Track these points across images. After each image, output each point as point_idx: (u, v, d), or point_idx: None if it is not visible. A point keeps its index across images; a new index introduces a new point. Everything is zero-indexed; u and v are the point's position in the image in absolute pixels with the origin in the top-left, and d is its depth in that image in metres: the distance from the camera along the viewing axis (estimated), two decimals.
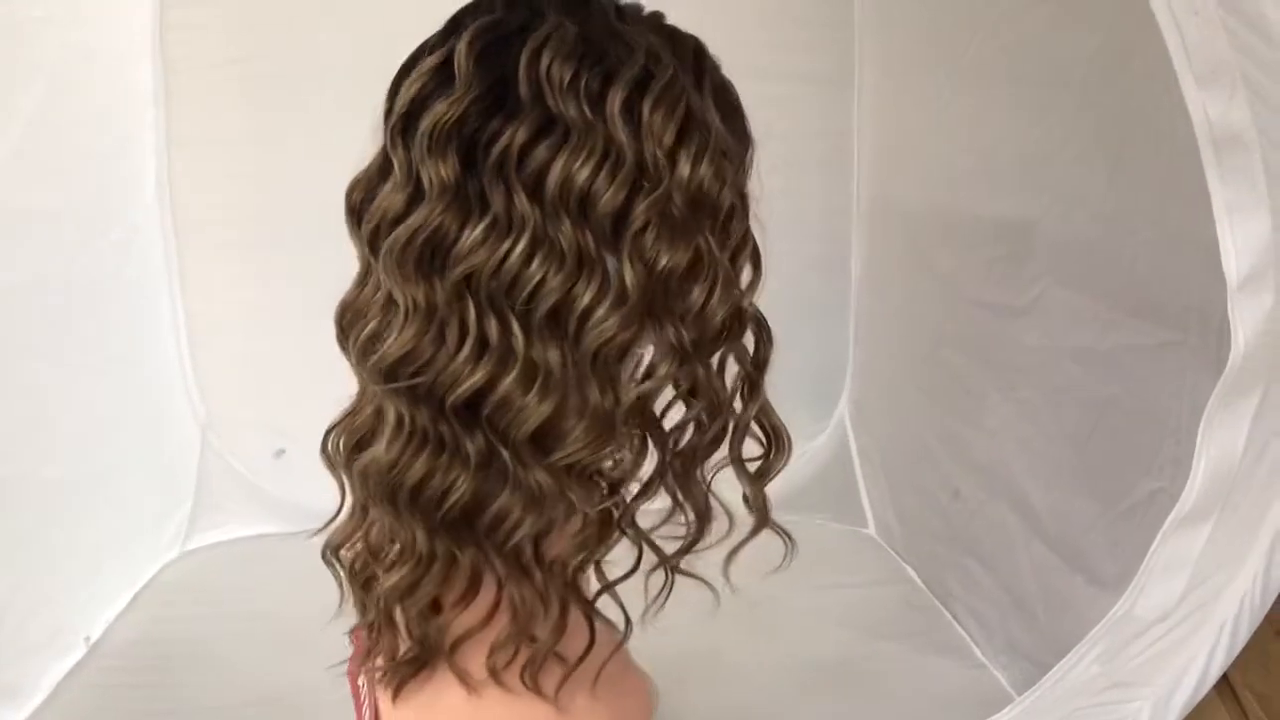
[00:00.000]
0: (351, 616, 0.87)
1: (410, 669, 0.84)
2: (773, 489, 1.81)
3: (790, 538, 0.89)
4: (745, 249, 0.80)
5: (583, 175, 0.70)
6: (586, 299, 0.71)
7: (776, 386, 1.77)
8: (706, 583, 0.87)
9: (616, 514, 0.81)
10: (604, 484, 0.80)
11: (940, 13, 1.47)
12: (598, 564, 0.84)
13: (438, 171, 0.70)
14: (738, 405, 0.82)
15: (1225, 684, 0.91)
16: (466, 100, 0.70)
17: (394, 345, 0.73)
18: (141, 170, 1.62)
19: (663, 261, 0.72)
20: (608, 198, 0.70)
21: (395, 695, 0.85)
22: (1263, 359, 0.78)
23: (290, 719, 1.21)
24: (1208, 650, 0.86)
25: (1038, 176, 1.25)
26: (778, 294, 1.69)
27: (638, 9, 0.79)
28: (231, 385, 1.70)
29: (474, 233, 0.70)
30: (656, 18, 0.79)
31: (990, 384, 1.36)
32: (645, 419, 0.79)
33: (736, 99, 0.81)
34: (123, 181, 1.59)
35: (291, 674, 1.25)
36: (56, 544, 1.34)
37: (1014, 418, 1.31)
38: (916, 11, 1.56)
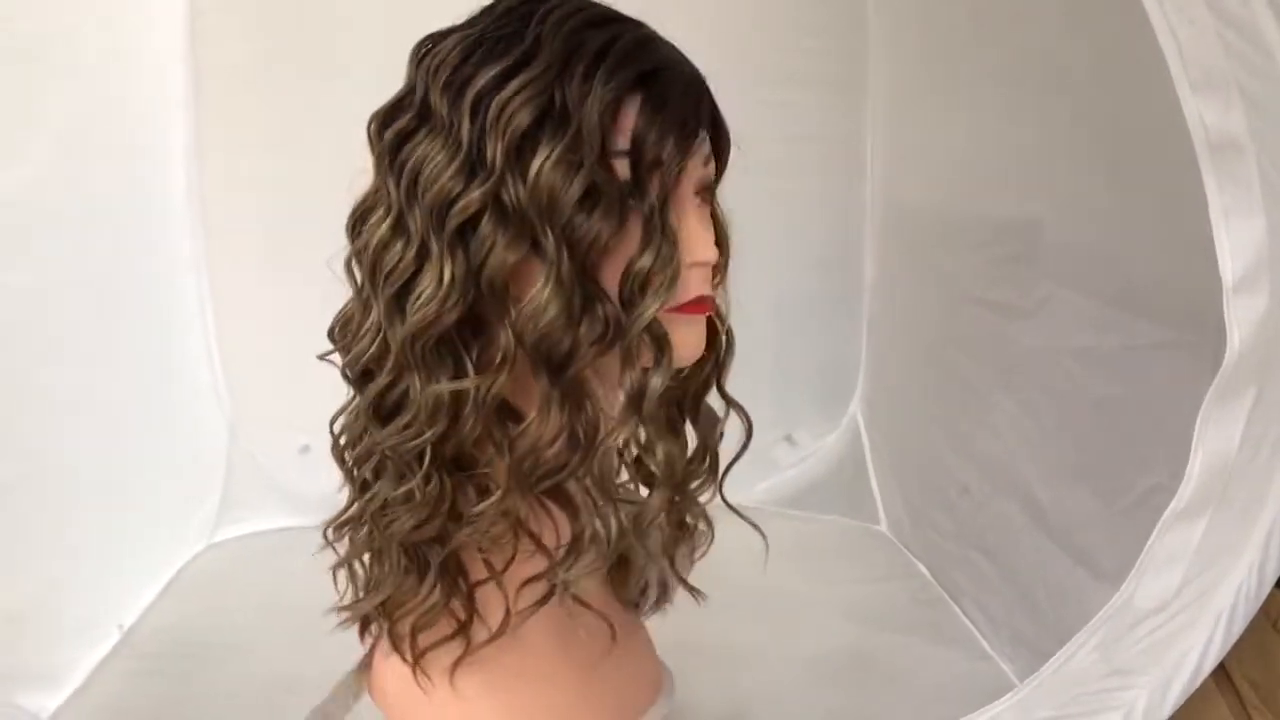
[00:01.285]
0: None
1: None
2: (786, 487, 1.89)
3: (759, 529, 0.91)
4: (623, 259, 0.74)
5: (426, 162, 0.73)
6: (420, 284, 0.74)
7: (790, 386, 1.86)
8: (692, 589, 0.91)
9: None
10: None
11: (948, 21, 1.50)
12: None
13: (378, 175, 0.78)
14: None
15: (1222, 673, 0.92)
16: (399, 101, 0.77)
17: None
18: (171, 173, 1.65)
19: (487, 258, 0.72)
20: (439, 186, 0.72)
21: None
22: (1257, 358, 0.80)
23: (314, 702, 1.24)
24: (1204, 640, 0.87)
25: (1041, 180, 1.29)
26: (791, 295, 1.82)
27: (588, 9, 0.76)
28: (258, 382, 1.73)
29: (371, 220, 0.77)
30: (594, 17, 0.75)
31: (995, 383, 1.39)
32: (486, 416, 0.76)
33: (651, 102, 0.74)
34: (153, 183, 1.62)
35: (316, 660, 1.26)
36: (90, 536, 1.37)
37: (1019, 416, 1.34)
38: (926, 20, 1.59)
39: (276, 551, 1.65)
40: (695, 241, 0.77)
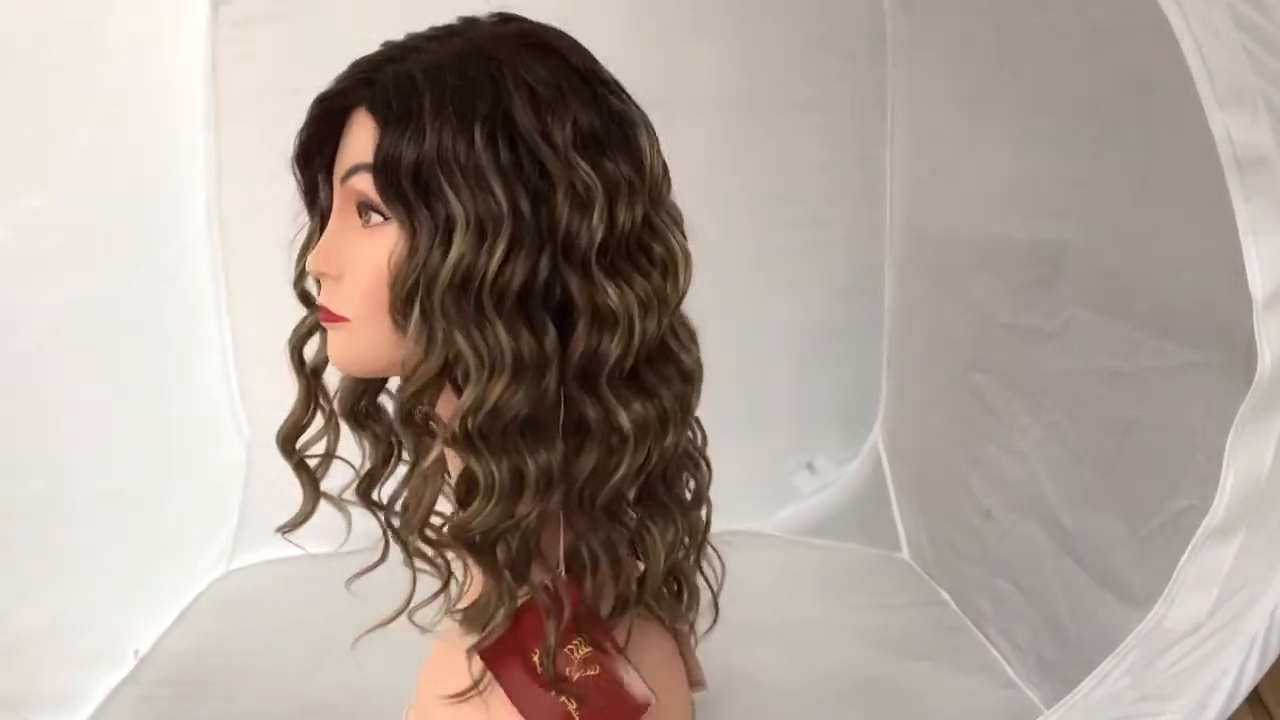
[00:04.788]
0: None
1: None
2: (808, 515, 1.88)
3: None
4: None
5: None
6: None
7: (811, 414, 1.85)
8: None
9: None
10: None
11: (970, 45, 1.50)
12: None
13: None
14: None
15: (1256, 698, 0.91)
16: None
17: None
18: (192, 197, 1.66)
19: None
20: None
21: None
22: None
23: None
24: (1238, 664, 0.85)
25: (1065, 202, 1.28)
26: (811, 321, 1.81)
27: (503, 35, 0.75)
28: (277, 406, 1.72)
29: None
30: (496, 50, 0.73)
31: (1020, 406, 1.37)
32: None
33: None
34: (174, 208, 1.63)
35: (334, 686, 1.27)
36: (107, 560, 1.36)
37: (1043, 439, 1.32)
38: (947, 44, 1.59)
39: (295, 577, 1.64)
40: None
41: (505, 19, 0.77)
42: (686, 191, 0.80)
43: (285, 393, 1.73)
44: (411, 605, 0.85)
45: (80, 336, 1.32)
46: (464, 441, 0.71)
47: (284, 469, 1.73)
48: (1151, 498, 1.07)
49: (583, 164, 0.69)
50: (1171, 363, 1.07)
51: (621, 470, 0.74)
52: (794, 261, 1.80)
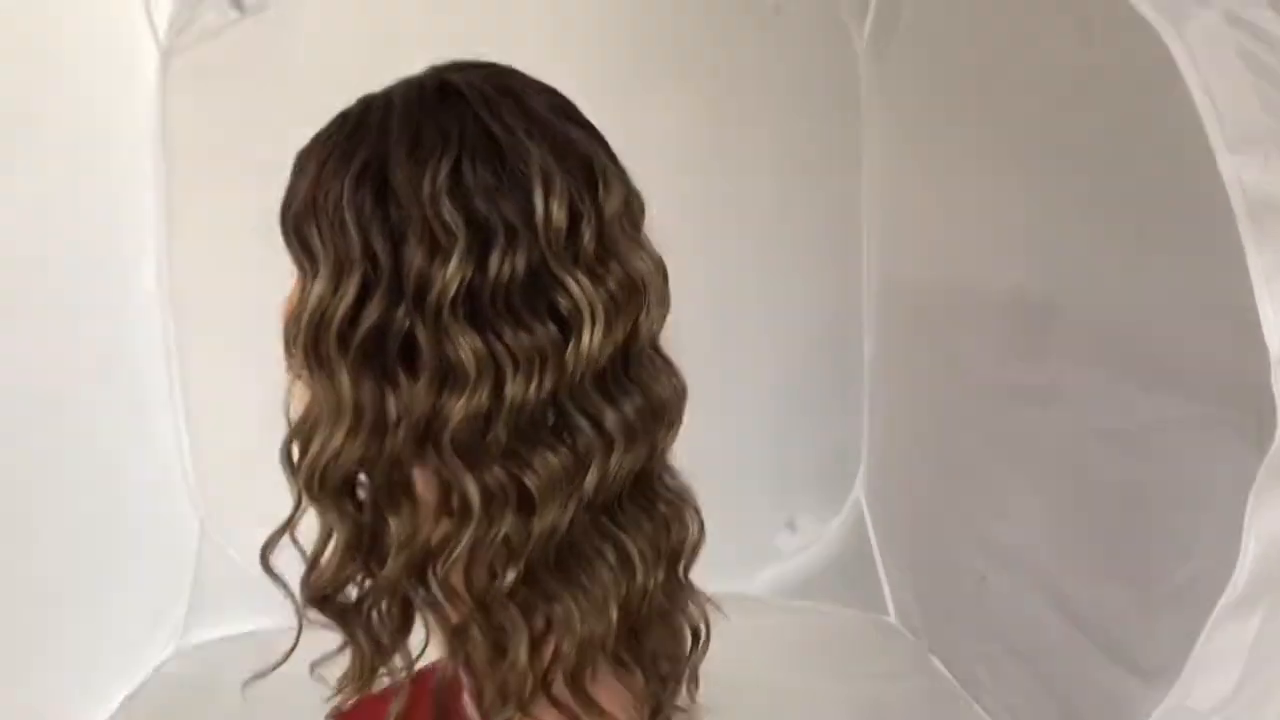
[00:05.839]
0: None
1: None
2: (790, 576, 1.82)
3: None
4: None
5: None
6: None
7: (790, 470, 1.80)
8: None
9: None
10: None
11: (946, 92, 1.47)
12: None
13: None
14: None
15: None
16: None
17: None
18: (141, 257, 1.60)
19: None
20: None
21: None
22: None
23: None
24: None
25: (1053, 251, 1.23)
26: (787, 375, 1.76)
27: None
28: (232, 476, 1.65)
29: None
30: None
31: (1011, 468, 1.33)
32: None
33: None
34: (123, 267, 1.57)
35: None
36: (48, 641, 1.30)
37: (1038, 502, 1.28)
38: (921, 90, 1.56)
39: (250, 654, 1.54)
40: None
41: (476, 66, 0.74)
42: (654, 240, 0.76)
43: (242, 459, 1.67)
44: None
45: (22, 400, 1.26)
46: (305, 490, 0.71)
47: (237, 540, 1.67)
48: (1159, 563, 1.03)
49: (447, 208, 0.66)
50: (1175, 419, 1.02)
51: (463, 544, 0.69)
52: (767, 314, 1.76)
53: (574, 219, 0.68)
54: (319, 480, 0.69)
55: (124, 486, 1.52)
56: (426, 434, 0.68)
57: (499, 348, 0.66)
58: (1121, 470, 1.10)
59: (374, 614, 0.73)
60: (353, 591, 0.74)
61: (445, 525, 0.70)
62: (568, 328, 0.68)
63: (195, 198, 1.60)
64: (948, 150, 1.47)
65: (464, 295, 0.66)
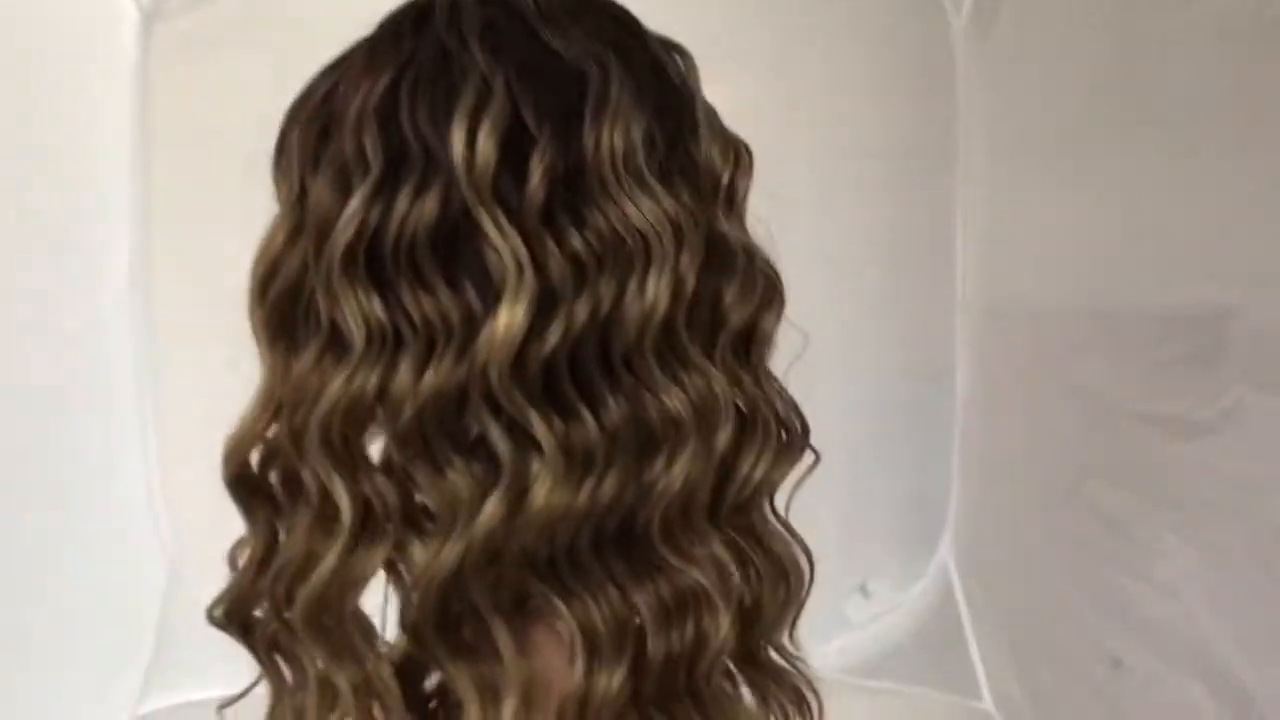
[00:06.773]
0: None
1: None
2: (861, 650, 1.65)
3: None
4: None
5: None
6: None
7: (863, 521, 1.65)
8: None
9: None
10: None
11: (1070, 75, 1.36)
12: None
13: None
14: None
15: None
16: None
17: None
18: (112, 254, 1.53)
19: None
20: None
21: None
22: None
23: None
24: None
25: (1223, 256, 1.11)
26: (864, 411, 1.62)
27: None
28: (206, 513, 1.50)
29: None
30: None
31: (1163, 523, 1.20)
32: None
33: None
34: (90, 267, 1.51)
35: None
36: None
37: (1199, 565, 1.15)
38: (1032, 73, 1.45)
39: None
40: None
41: None
42: None
43: (216, 498, 1.53)
44: None
45: None
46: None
47: (209, 591, 1.50)
48: None
49: (370, 135, 0.56)
50: None
51: (330, 562, 0.57)
52: (840, 339, 1.61)
53: (513, 151, 0.55)
54: (224, 467, 0.60)
55: (82, 523, 1.43)
56: (304, 422, 0.57)
57: (398, 315, 0.55)
58: None
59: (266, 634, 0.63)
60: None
61: (315, 543, 0.58)
62: (483, 293, 0.55)
63: (170, 229, 1.52)
64: (1076, 145, 1.35)
65: (365, 245, 0.55)
